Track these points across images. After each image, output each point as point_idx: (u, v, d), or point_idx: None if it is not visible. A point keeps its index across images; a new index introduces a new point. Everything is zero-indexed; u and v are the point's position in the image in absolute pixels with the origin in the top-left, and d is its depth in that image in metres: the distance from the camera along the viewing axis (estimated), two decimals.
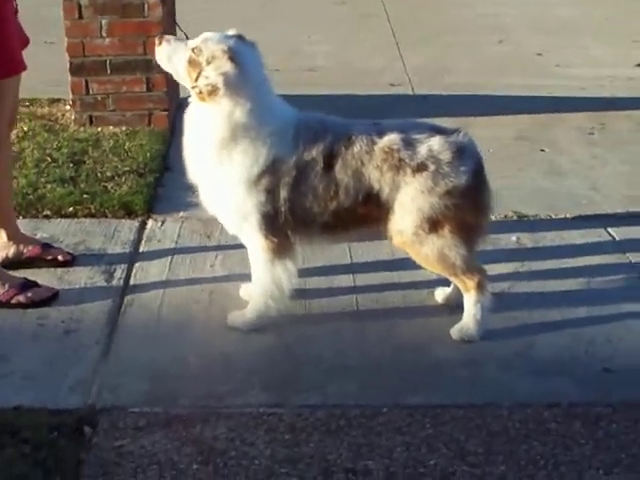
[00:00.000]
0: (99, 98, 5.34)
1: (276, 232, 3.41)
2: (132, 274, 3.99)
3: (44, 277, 3.92)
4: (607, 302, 3.76)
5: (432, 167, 3.30)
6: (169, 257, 4.12)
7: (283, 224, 3.39)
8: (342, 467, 2.89)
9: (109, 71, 5.27)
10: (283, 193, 3.32)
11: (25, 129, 5.35)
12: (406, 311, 3.72)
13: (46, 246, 4.02)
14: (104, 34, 5.21)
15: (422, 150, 3.31)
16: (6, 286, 3.69)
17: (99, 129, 5.36)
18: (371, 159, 3.31)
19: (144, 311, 3.72)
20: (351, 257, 4.12)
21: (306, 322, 3.66)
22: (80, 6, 5.14)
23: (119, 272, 3.99)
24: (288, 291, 3.53)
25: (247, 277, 3.67)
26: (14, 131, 5.03)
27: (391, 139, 3.33)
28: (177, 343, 3.51)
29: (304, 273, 3.90)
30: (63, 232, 4.33)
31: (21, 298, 3.69)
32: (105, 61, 5.26)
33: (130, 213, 4.47)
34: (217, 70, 3.21)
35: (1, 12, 3.40)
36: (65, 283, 3.91)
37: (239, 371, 3.36)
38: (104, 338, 3.54)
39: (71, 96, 5.40)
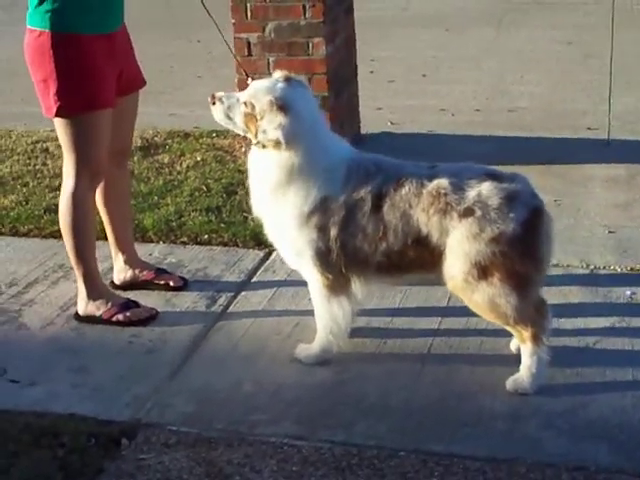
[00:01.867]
0: None
1: (331, 269, 3.48)
2: (234, 302, 4.19)
3: (154, 298, 4.23)
4: None
5: (479, 212, 3.25)
6: (275, 288, 4.29)
7: (336, 261, 3.45)
8: None
9: None
10: (333, 231, 3.40)
11: (198, 159, 5.76)
12: (476, 358, 3.67)
13: (160, 271, 4.32)
14: (271, 71, 5.45)
15: (470, 195, 3.27)
16: (109, 304, 4.02)
17: None
18: (419, 202, 3.32)
19: (226, 338, 3.92)
20: (449, 300, 4.08)
21: (370, 360, 3.70)
22: (249, 44, 5.44)
23: (222, 299, 4.21)
24: (346, 328, 3.59)
25: None
26: (186, 160, 5.45)
27: (440, 183, 3.31)
28: (240, 370, 3.68)
29: (394, 312, 3.95)
30: (190, 258, 4.62)
31: (120, 317, 4.00)
32: None
33: (260, 244, 4.66)
34: (271, 124, 3.32)
35: (88, 49, 3.71)
36: (169, 305, 4.18)
37: (283, 402, 3.47)
38: (179, 360, 3.77)
39: None
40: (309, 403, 3.47)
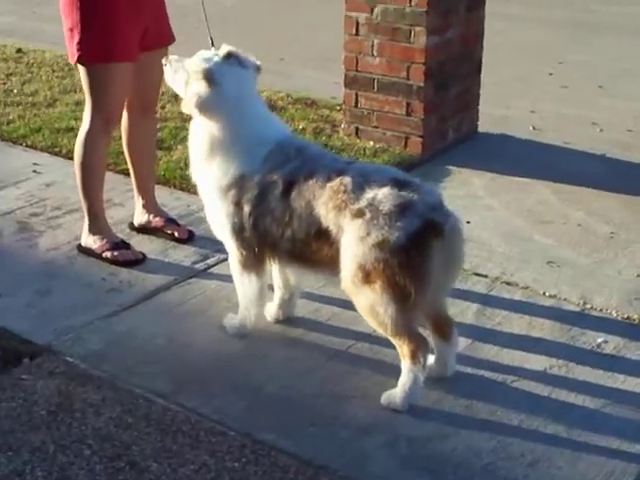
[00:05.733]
0: (365, 113, 5.68)
1: (245, 246, 3.57)
2: (219, 264, 4.34)
3: (155, 245, 4.53)
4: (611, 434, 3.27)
5: (368, 215, 3.21)
6: None
7: (250, 239, 3.53)
8: (129, 460, 3.07)
9: (375, 89, 5.57)
10: (247, 209, 3.49)
11: (299, 127, 5.90)
12: (383, 368, 3.54)
13: (169, 221, 4.58)
14: (375, 53, 5.51)
15: (365, 196, 3.24)
16: (104, 240, 4.34)
17: (358, 141, 5.70)
18: (321, 195, 3.33)
19: (183, 294, 4.10)
20: None
21: (286, 344, 3.75)
22: (358, 23, 5.50)
23: (213, 259, 4.39)
24: (257, 304, 3.69)
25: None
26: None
27: (343, 180, 3.30)
28: (167, 324, 3.87)
29: (351, 305, 3.94)
30: None
31: (108, 254, 4.31)
32: (373, 79, 5.56)
33: None
34: (194, 90, 3.47)
35: (112, 4, 3.99)
36: (162, 254, 4.44)
37: (176, 361, 3.63)
38: (127, 304, 4.02)
39: (344, 106, 5.78)
40: (196, 368, 3.60)
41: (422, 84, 5.41)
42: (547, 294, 4.16)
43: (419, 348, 3.29)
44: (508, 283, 4.25)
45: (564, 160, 5.80)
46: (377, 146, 5.64)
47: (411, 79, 5.44)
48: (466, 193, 5.21)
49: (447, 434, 3.24)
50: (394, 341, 3.34)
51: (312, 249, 3.41)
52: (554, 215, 4.98)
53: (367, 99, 5.66)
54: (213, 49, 3.61)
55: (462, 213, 4.74)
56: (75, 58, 4.08)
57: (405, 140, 5.59)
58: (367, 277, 3.23)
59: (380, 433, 3.24)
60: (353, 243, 3.24)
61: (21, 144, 5.72)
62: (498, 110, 6.64)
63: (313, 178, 3.37)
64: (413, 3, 5.30)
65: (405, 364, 3.32)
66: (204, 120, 3.52)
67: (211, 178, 3.56)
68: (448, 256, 3.25)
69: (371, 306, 3.27)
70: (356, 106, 5.70)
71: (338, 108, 6.30)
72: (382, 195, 3.22)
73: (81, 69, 4.14)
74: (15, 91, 6.63)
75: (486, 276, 4.31)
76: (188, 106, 3.52)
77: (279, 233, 3.45)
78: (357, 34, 5.55)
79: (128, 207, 4.82)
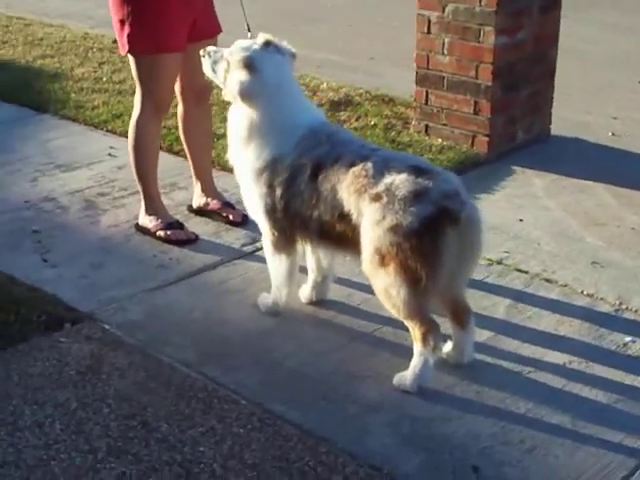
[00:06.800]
0: (434, 110, 5.76)
1: (276, 226, 3.73)
2: None
3: (210, 227, 4.73)
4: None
5: (385, 199, 3.32)
6: None
7: (281, 220, 3.69)
8: (142, 420, 3.26)
9: (445, 87, 5.65)
10: (278, 190, 3.64)
11: (371, 122, 6.03)
12: (403, 351, 3.58)
13: (226, 204, 4.77)
14: (445, 52, 5.59)
15: (384, 181, 3.34)
16: (159, 220, 4.56)
17: (426, 138, 5.78)
18: (345, 179, 3.45)
19: (226, 273, 4.28)
20: None
21: (316, 325, 3.88)
22: (429, 22, 5.59)
23: (260, 243, 4.52)
24: (287, 284, 3.83)
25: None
26: (359, 121, 5.79)
27: (365, 165, 3.42)
28: (206, 300, 4.05)
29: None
30: None
31: (162, 233, 4.53)
32: (443, 77, 5.64)
33: None
34: (236, 78, 3.63)
35: None
36: (215, 236, 4.63)
37: (208, 335, 3.81)
38: (172, 279, 4.22)
39: (414, 104, 5.88)
40: (225, 342, 3.76)
41: (490, 84, 5.45)
42: (584, 293, 4.16)
43: (430, 332, 3.38)
44: (547, 280, 4.27)
45: (635, 165, 5.75)
46: (444, 144, 5.70)
47: (479, 78, 5.49)
48: (525, 193, 5.23)
49: (451, 417, 3.32)
50: (406, 324, 3.43)
51: (337, 231, 3.54)
52: (609, 218, 4.96)
53: (437, 97, 5.73)
54: (249, 35, 3.77)
55: (517, 212, 4.93)
56: (126, 49, 4.30)
57: (472, 139, 5.64)
58: (382, 260, 3.33)
59: (387, 412, 3.34)
60: (370, 226, 3.35)
61: (102, 129, 6.01)
62: (579, 115, 6.61)
63: (339, 163, 3.49)
64: (483, 3, 5.35)
65: (416, 347, 3.41)
66: (244, 106, 3.66)
67: (247, 161, 3.72)
68: (464, 244, 3.32)
69: (385, 288, 3.37)
70: (426, 103, 5.78)
71: (413, 106, 6.37)
72: (399, 181, 3.32)
73: (131, 59, 4.36)
74: (104, 79, 6.94)
75: (527, 272, 4.34)
76: (230, 94, 3.68)
77: (308, 215, 3.58)
78: (429, 32, 5.64)
79: (191, 191, 5.02)
